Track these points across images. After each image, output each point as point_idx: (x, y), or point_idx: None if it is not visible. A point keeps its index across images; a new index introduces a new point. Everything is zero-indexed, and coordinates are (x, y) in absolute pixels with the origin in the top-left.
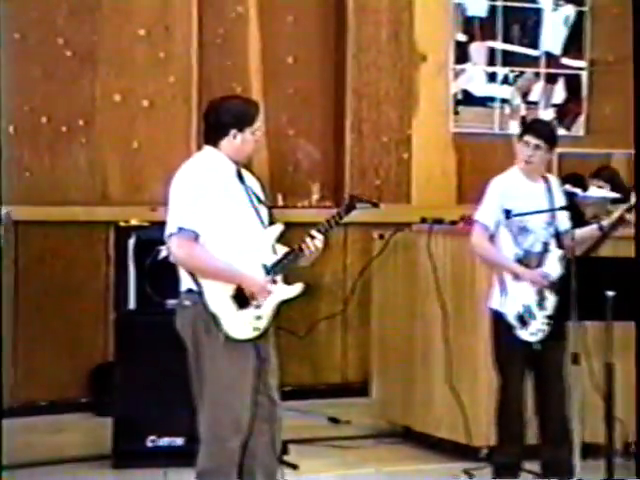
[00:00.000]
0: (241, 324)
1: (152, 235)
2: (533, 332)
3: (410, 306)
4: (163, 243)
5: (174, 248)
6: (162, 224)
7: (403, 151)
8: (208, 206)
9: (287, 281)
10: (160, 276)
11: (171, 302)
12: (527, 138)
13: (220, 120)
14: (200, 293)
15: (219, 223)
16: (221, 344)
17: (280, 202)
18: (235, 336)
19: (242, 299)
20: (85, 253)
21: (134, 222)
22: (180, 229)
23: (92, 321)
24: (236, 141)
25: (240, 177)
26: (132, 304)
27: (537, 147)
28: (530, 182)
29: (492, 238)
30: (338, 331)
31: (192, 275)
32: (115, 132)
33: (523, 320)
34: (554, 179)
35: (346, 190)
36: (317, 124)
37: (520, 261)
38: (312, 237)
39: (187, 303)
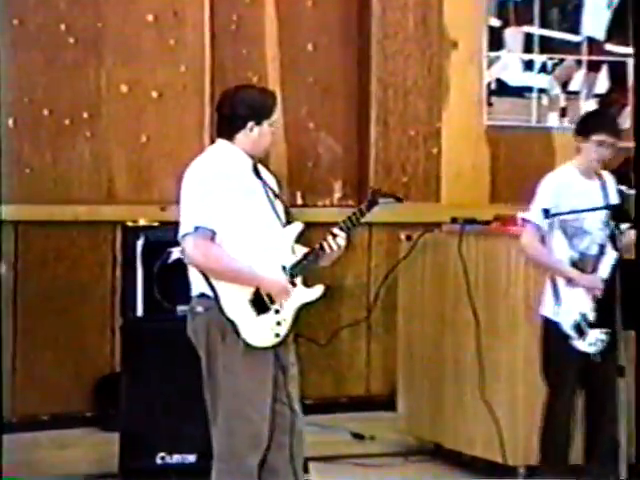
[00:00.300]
0: (260, 330)
1: (162, 236)
2: (592, 342)
3: (439, 313)
4: (173, 244)
5: (190, 249)
6: (172, 224)
7: (432, 145)
8: (224, 203)
9: (306, 283)
10: (170, 280)
11: (182, 308)
12: (602, 137)
13: (236, 112)
14: (215, 298)
15: (236, 221)
16: (239, 352)
17: (299, 200)
18: (254, 343)
19: (261, 303)
20: (89, 255)
21: (142, 222)
22: (197, 228)
23: (97, 328)
24: (253, 134)
25: (256, 172)
26: (140, 310)
27: (612, 146)
28: (586, 180)
29: (542, 240)
30: (362, 339)
31: (206, 278)
32: (122, 125)
33: (580, 329)
34: (609, 176)
35: (369, 185)
36: (339, 116)
37: (575, 264)
38: (334, 235)
39: (200, 309)
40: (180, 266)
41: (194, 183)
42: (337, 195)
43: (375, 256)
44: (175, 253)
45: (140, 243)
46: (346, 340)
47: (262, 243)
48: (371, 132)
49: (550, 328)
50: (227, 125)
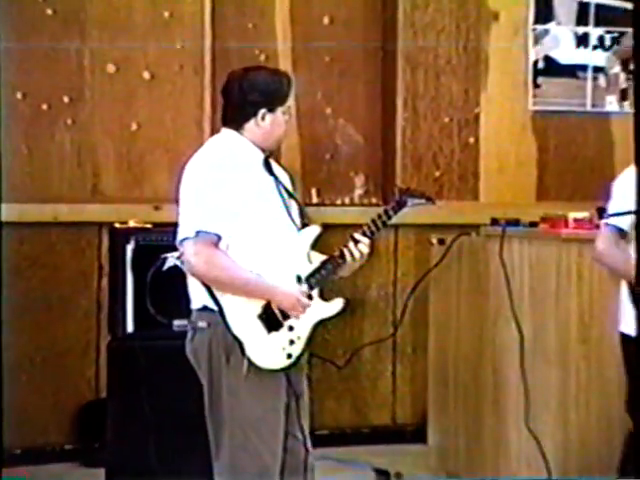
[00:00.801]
0: (271, 350)
1: (156, 239)
2: None
3: (478, 329)
4: (169, 249)
5: (190, 255)
6: (168, 226)
7: (469, 134)
8: (231, 203)
9: (323, 296)
10: (165, 291)
11: (179, 323)
12: None
13: (246, 97)
14: (220, 312)
15: (244, 224)
16: (246, 375)
17: (314, 199)
18: (264, 365)
19: (272, 319)
20: (71, 262)
21: (133, 223)
22: (198, 232)
23: (79, 347)
24: (264, 123)
25: (268, 167)
26: (130, 326)
27: None
28: None
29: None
30: (387, 360)
31: (209, 289)
32: (108, 111)
33: None
34: None
35: (397, 183)
36: (360, 101)
37: None
38: (356, 242)
39: (202, 324)
40: (177, 275)
41: (196, 179)
42: (358, 192)
43: (402, 263)
44: (171, 259)
45: (130, 248)
46: (368, 361)
47: (274, 249)
48: (398, 119)
49: (633, 348)
50: (235, 112)
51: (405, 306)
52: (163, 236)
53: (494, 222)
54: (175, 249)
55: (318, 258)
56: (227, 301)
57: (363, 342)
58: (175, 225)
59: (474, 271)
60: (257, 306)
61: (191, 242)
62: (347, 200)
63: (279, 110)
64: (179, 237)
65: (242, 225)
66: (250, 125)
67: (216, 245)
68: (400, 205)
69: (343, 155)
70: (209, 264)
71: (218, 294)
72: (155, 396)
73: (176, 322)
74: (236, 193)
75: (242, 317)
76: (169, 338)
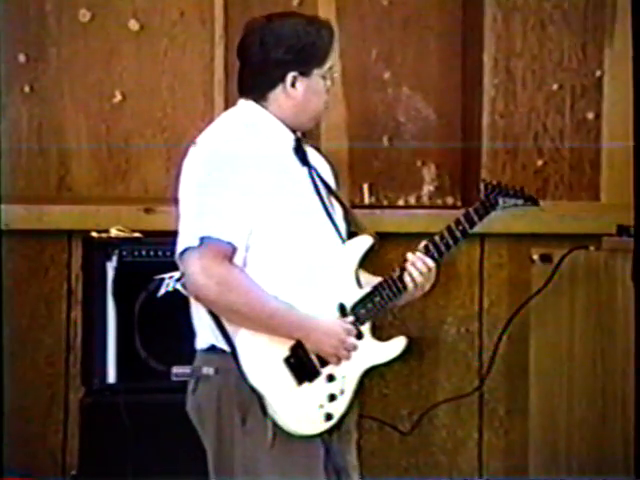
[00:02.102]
0: (303, 409)
1: (147, 254)
2: None
3: (600, 381)
4: (165, 268)
5: (195, 272)
6: (163, 235)
7: (587, 108)
8: (250, 203)
9: (376, 334)
10: (161, 326)
11: (181, 371)
12: None
13: (269, 56)
14: (233, 354)
15: (267, 233)
16: (268, 444)
17: (366, 198)
18: (294, 430)
19: (304, 365)
20: (29, 285)
21: (115, 232)
22: (204, 239)
23: (40, 405)
24: (296, 92)
25: (301, 154)
26: (112, 375)
27: None
28: None
29: None
30: (470, 425)
31: (218, 322)
32: (82, 75)
33: None
34: None
35: (482, 175)
36: (432, 61)
37: None
38: (419, 261)
39: (207, 371)
40: (178, 303)
41: (202, 170)
42: (428, 188)
43: (491, 289)
44: (169, 282)
45: (112, 266)
46: (444, 426)
47: (308, 268)
48: (485, 87)
49: None
50: (255, 78)
51: (496, 348)
52: (157, 249)
53: (622, 231)
54: (174, 267)
55: (370, 281)
56: (243, 339)
57: (436, 399)
58: (174, 234)
59: (593, 299)
60: (284, 347)
61: (195, 255)
62: (412, 200)
63: (315, 74)
64: (179, 248)
65: (264, 234)
66: (276, 94)
67: (230, 259)
68: (488, 207)
69: (407, 137)
70: (222, 286)
71: (231, 328)
72: (144, 469)
73: (176, 369)
74: (256, 190)
75: (263, 361)
76: (166, 392)
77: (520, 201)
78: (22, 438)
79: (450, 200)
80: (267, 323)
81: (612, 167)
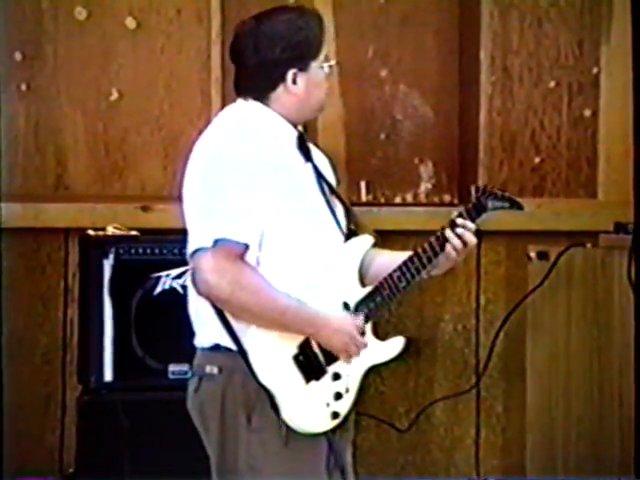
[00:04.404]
0: (311, 407)
1: (144, 252)
2: None
3: (597, 380)
4: (162, 266)
5: (208, 271)
6: (160, 233)
7: (584, 104)
8: (263, 203)
9: (377, 333)
10: (158, 324)
11: (178, 369)
12: None
13: (266, 59)
14: (240, 352)
15: (280, 232)
16: (276, 442)
17: (363, 196)
18: (303, 428)
19: (312, 363)
20: (25, 283)
21: (112, 230)
22: (219, 242)
23: (37, 403)
24: (297, 88)
25: (304, 150)
26: (109, 373)
27: None
28: None
29: None
30: (467, 422)
31: (224, 320)
32: (78, 73)
33: None
34: None
35: (480, 173)
36: (429, 58)
37: None
38: (456, 226)
39: (211, 370)
40: (174, 301)
41: (212, 170)
42: (425, 186)
43: (488, 286)
44: (166, 280)
45: (109, 264)
46: (441, 423)
47: (315, 267)
48: (481, 84)
49: None
50: (254, 80)
51: (493, 346)
52: (154, 247)
53: (619, 228)
54: (171, 265)
55: (394, 258)
56: (252, 337)
57: (434, 397)
58: (171, 232)
59: (590, 297)
60: (292, 344)
61: (208, 254)
62: (409, 197)
63: (313, 66)
64: (190, 248)
65: (276, 233)
66: (278, 94)
67: (242, 258)
68: (478, 209)
69: (404, 134)
70: (234, 285)
71: (238, 327)
72: (142, 469)
73: (173, 367)
74: (267, 190)
75: (273, 360)
76: (163, 389)
77: (506, 204)
78: (19, 436)
79: (447, 197)
80: (279, 321)
81: (609, 164)
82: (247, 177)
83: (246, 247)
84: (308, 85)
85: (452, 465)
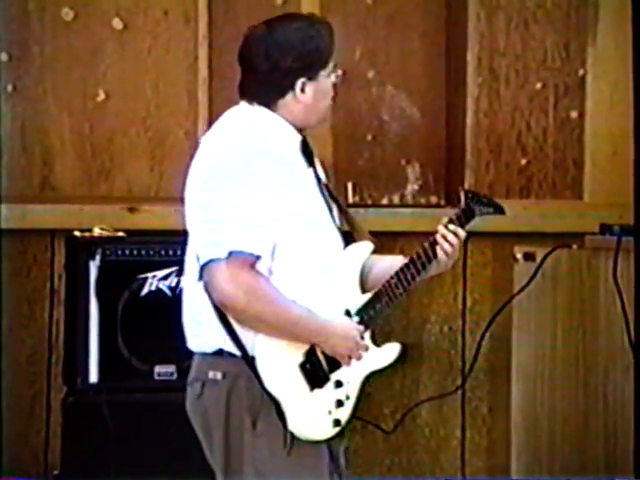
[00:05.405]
0: (315, 414)
1: (130, 254)
2: None
3: (582, 380)
4: (148, 267)
5: (224, 281)
6: (147, 234)
7: (570, 106)
8: (275, 213)
9: (374, 339)
10: (144, 325)
11: (163, 370)
12: None
13: (277, 67)
14: (245, 358)
15: (291, 240)
16: (280, 449)
17: (350, 197)
18: (307, 435)
19: (317, 370)
20: (11, 284)
21: (99, 231)
22: (233, 253)
23: (22, 405)
24: (305, 96)
25: (307, 155)
26: (94, 374)
27: None
28: None
29: None
30: (452, 421)
31: (227, 326)
32: (65, 74)
33: None
34: None
35: (466, 174)
36: (416, 59)
37: None
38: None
39: (215, 375)
40: (161, 302)
41: (227, 177)
42: (412, 187)
43: (474, 287)
44: (152, 281)
45: (95, 265)
46: (427, 424)
47: (321, 274)
48: (468, 85)
49: None
50: (262, 87)
51: (478, 347)
52: (141, 249)
53: (605, 229)
54: (158, 267)
55: (392, 263)
56: (260, 344)
57: (419, 398)
58: (157, 233)
59: (576, 298)
60: (298, 352)
61: (223, 264)
62: (396, 199)
63: (322, 75)
64: (203, 258)
65: (287, 242)
66: (285, 101)
67: (254, 267)
68: (467, 215)
69: (391, 136)
70: (251, 295)
71: (245, 333)
72: (129, 474)
73: (158, 368)
74: (278, 198)
75: (280, 368)
76: (149, 391)
77: (490, 209)
78: (4, 438)
79: (434, 199)
80: (291, 330)
81: (595, 166)
82: (261, 188)
83: (258, 257)
84: (316, 94)
85: (438, 466)
